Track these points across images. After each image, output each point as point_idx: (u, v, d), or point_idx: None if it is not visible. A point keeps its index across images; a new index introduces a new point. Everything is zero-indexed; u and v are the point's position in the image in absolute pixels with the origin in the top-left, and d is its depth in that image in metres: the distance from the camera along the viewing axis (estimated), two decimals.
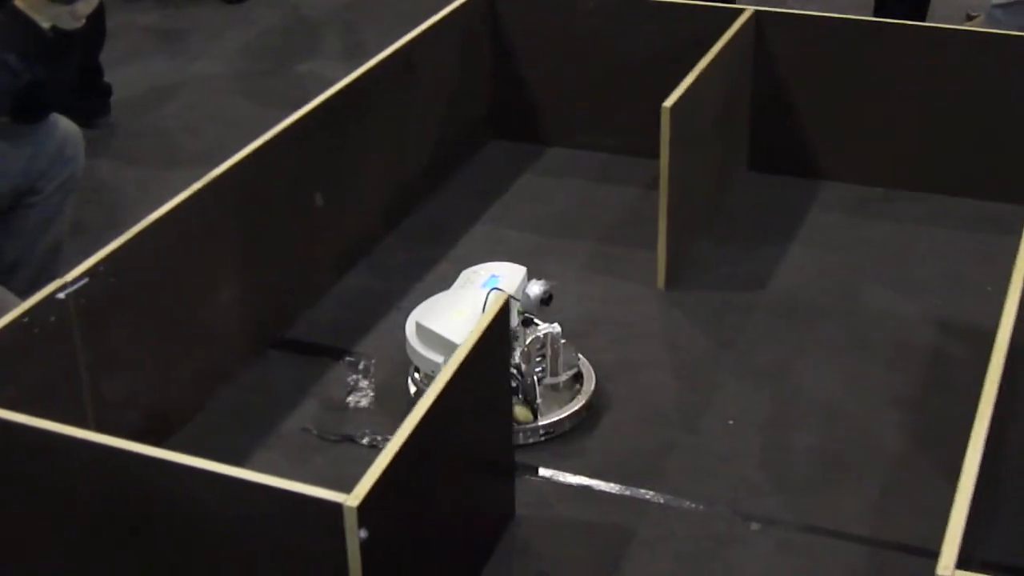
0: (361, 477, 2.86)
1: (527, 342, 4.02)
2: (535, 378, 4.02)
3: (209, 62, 6.75)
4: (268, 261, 4.41)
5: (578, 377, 4.19)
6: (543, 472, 3.92)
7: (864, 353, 4.40)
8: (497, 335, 3.46)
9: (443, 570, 3.36)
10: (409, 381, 4.19)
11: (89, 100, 6.00)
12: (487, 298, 3.93)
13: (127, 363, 3.85)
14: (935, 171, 5.30)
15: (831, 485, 3.86)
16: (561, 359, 4.10)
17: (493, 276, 4.14)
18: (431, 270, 4.89)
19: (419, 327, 4.04)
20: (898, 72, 5.23)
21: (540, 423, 4.01)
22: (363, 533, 2.80)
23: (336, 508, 2.80)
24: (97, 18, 5.91)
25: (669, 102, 4.52)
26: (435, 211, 5.30)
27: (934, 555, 2.61)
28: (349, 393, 4.23)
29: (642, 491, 3.86)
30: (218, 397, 4.22)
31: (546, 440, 4.01)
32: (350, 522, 2.79)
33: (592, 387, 4.16)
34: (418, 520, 3.16)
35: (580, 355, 4.22)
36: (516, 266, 4.23)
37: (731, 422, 4.10)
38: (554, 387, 4.11)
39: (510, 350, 3.66)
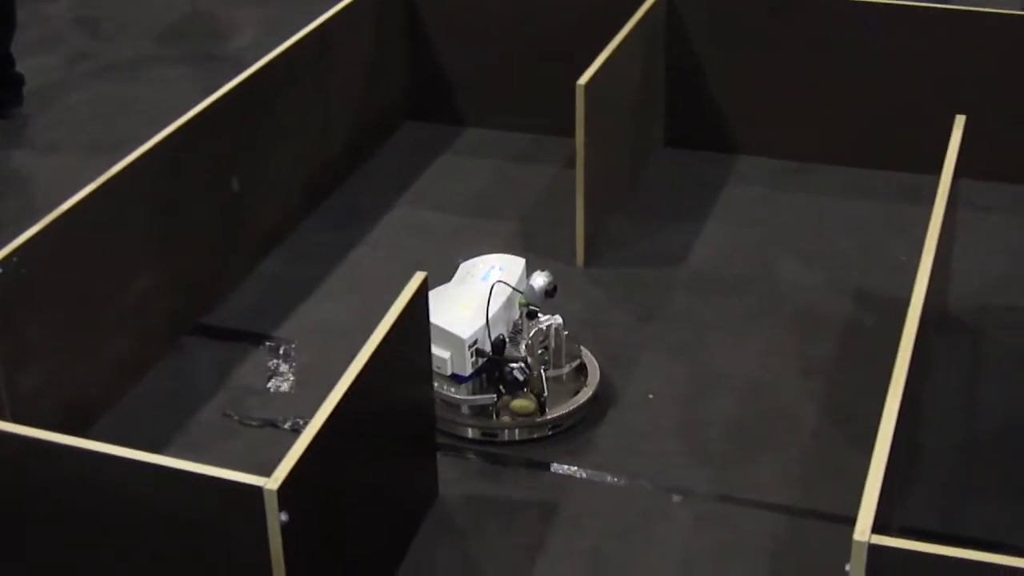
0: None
1: (531, 335, 3.98)
2: (542, 371, 3.98)
3: (121, 49, 6.68)
4: (185, 248, 4.38)
5: (581, 369, 4.15)
6: (461, 448, 3.93)
7: (780, 325, 4.45)
8: (414, 314, 3.46)
9: (367, 550, 3.36)
10: None
11: (1, 90, 5.93)
12: (491, 291, 3.90)
13: (43, 354, 3.81)
14: (849, 144, 5.36)
15: (750, 456, 3.90)
16: (564, 351, 4.07)
17: (493, 268, 4.07)
18: (350, 253, 4.88)
19: None
20: (811, 46, 5.27)
21: (548, 417, 3.96)
22: (284, 516, 2.80)
23: (256, 492, 2.79)
24: (5, 7, 5.84)
25: (583, 80, 4.53)
26: (353, 194, 5.29)
27: (852, 522, 2.64)
28: (270, 378, 4.23)
29: (565, 467, 3.87)
30: (138, 385, 4.19)
31: (553, 434, 3.98)
32: (270, 505, 2.79)
33: (597, 379, 4.11)
34: (340, 501, 3.16)
35: (582, 347, 4.20)
36: (514, 258, 4.17)
37: (651, 396, 4.13)
38: (557, 379, 4.08)
39: (428, 329, 3.65)
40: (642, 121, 5.32)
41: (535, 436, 3.95)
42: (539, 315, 4.02)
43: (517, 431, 3.94)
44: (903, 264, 4.63)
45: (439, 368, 3.86)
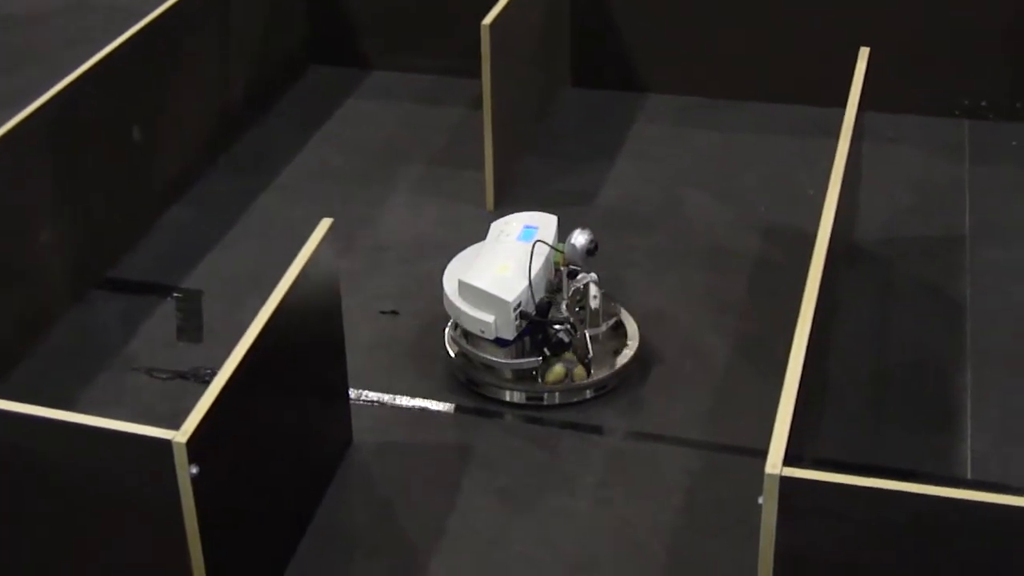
0: None
1: (569, 293, 3.88)
2: (586, 333, 3.88)
3: (19, 1, 6.57)
4: (87, 200, 4.31)
5: (618, 326, 4.05)
6: (371, 395, 3.91)
7: (691, 262, 4.45)
8: (322, 261, 3.42)
9: (281, 500, 3.34)
10: (447, 342, 4.01)
11: None
12: (532, 250, 3.80)
13: None
14: (755, 79, 5.36)
15: (663, 392, 3.91)
16: (602, 309, 3.95)
17: (527, 227, 3.94)
18: (256, 200, 4.83)
19: (463, 285, 3.84)
20: None
21: (591, 380, 3.87)
22: (194, 469, 2.77)
23: (165, 445, 2.76)
24: None
25: (488, 20, 4.49)
26: (258, 140, 5.23)
27: (765, 455, 2.65)
28: (179, 329, 4.18)
29: (476, 408, 3.87)
30: (43, 342, 4.13)
31: (594, 397, 3.89)
32: (180, 459, 2.75)
33: (637, 338, 4.00)
34: (252, 452, 3.13)
35: (618, 304, 4.09)
36: (546, 215, 4.04)
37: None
38: (594, 338, 3.95)
39: (336, 276, 3.61)
40: (549, 61, 5.29)
41: (575, 400, 3.87)
42: (580, 275, 3.91)
43: (558, 394, 3.86)
44: (811, 198, 4.65)
45: (482, 332, 3.76)
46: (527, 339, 3.81)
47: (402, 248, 4.54)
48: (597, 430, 3.78)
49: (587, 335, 3.88)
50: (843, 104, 3.96)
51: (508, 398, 3.85)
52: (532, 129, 5.14)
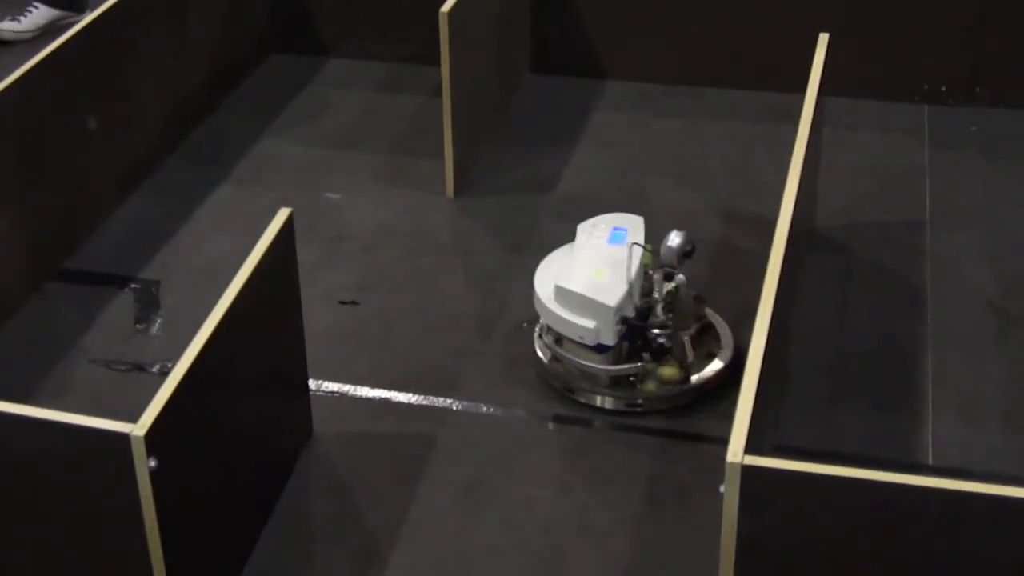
0: None
1: (663, 294, 3.80)
2: (685, 337, 3.79)
3: None
4: (43, 191, 4.26)
5: (707, 328, 3.95)
6: (331, 386, 3.89)
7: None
8: (281, 252, 3.40)
9: (242, 492, 3.32)
10: (537, 348, 3.93)
11: None
12: (630, 253, 3.72)
13: None
14: (716, 65, 5.35)
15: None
16: (692, 311, 3.86)
17: (616, 229, 3.84)
18: (215, 190, 4.80)
19: (560, 290, 3.74)
20: None
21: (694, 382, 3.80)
22: (152, 462, 2.74)
23: (123, 439, 2.73)
24: None
25: (446, 7, 4.47)
26: (216, 129, 5.19)
27: (726, 443, 2.64)
28: (136, 321, 4.15)
29: (439, 399, 3.85)
30: None
31: (694, 402, 3.80)
32: (138, 452, 2.73)
33: (731, 339, 3.91)
34: (211, 444, 3.10)
35: (708, 307, 3.99)
36: (633, 216, 3.94)
37: (525, 325, 4.10)
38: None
39: (295, 266, 3.58)
40: (508, 48, 5.28)
41: (667, 407, 3.80)
42: (676, 277, 3.82)
43: (655, 400, 3.79)
44: (772, 184, 4.64)
45: (582, 338, 3.68)
46: (624, 344, 3.75)
47: (362, 237, 4.52)
48: (557, 419, 3.77)
49: (686, 339, 3.81)
50: (802, 89, 3.95)
51: (599, 403, 3.81)
52: (492, 116, 5.12)
